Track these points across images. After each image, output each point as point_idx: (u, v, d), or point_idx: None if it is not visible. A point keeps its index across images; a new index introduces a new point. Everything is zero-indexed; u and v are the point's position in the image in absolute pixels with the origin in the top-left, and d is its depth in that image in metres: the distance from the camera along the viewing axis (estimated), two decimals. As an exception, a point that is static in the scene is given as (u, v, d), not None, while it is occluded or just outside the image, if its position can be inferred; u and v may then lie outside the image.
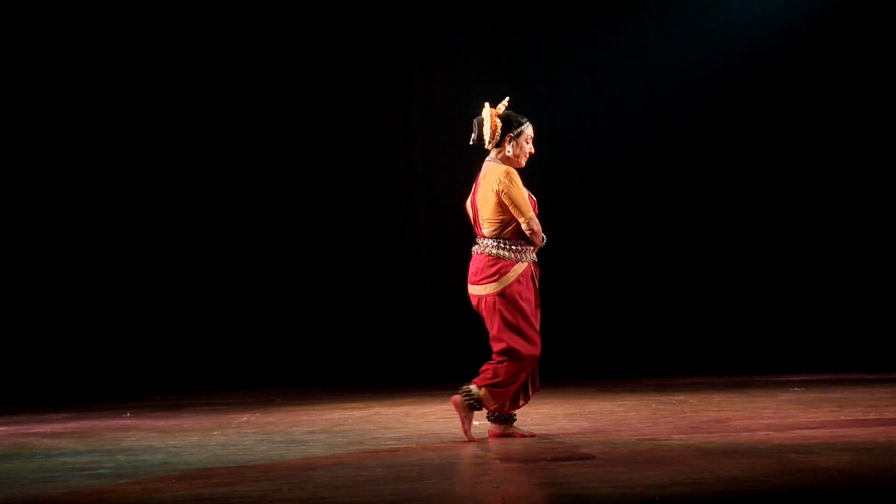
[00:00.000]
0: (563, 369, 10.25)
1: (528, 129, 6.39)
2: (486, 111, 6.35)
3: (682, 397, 8.36)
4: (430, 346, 11.66)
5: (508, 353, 6.18)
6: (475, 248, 6.36)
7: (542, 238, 6.29)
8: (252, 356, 11.44)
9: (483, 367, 6.27)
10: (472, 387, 6.23)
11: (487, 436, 6.35)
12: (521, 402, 6.36)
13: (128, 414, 8.45)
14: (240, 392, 10.22)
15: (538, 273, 6.35)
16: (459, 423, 6.28)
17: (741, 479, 4.74)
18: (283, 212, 11.56)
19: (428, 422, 7.32)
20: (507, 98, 6.39)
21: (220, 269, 11.45)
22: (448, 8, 11.87)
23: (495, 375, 6.20)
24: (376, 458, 5.72)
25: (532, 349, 6.20)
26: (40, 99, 11.12)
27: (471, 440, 6.21)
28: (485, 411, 6.33)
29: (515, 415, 6.41)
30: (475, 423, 6.61)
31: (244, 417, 7.96)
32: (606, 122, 11.80)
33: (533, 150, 6.42)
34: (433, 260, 11.77)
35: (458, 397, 6.24)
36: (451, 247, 11.76)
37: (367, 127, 11.75)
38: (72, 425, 7.85)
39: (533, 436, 6.34)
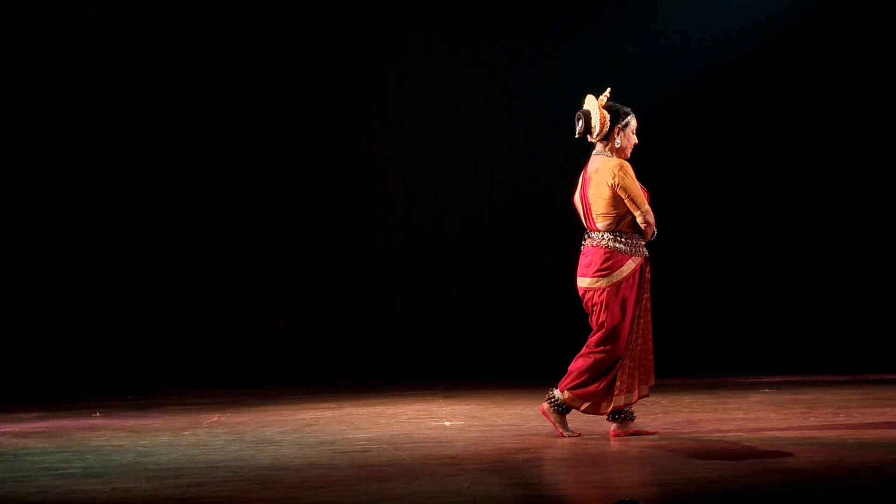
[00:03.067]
0: (535, 370, 10.23)
1: (634, 120, 6.33)
2: (592, 103, 6.24)
3: (653, 398, 8.33)
4: (431, 347, 11.66)
5: (604, 344, 6.16)
6: (588, 242, 6.30)
7: (654, 231, 6.23)
8: (252, 356, 11.41)
9: (569, 368, 6.22)
10: (556, 392, 6.21)
11: (610, 435, 6.20)
12: (636, 397, 6.22)
13: (97, 414, 8.40)
14: (212, 392, 10.17)
15: (649, 269, 6.27)
16: (553, 429, 6.24)
17: (712, 480, 4.75)
18: (282, 211, 11.53)
19: (399, 422, 7.30)
20: (609, 89, 6.30)
21: (218, 270, 11.41)
22: (449, 9, 11.86)
23: (579, 376, 6.17)
24: (347, 459, 5.70)
25: (617, 350, 6.17)
26: (40, 99, 11.09)
27: (563, 436, 6.18)
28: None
29: (634, 412, 6.26)
30: (446, 423, 6.60)
31: (215, 417, 7.93)
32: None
33: (637, 141, 6.35)
34: (433, 260, 11.76)
35: (545, 405, 6.23)
36: (451, 247, 11.79)
37: (368, 127, 11.75)
38: (41, 425, 7.80)
39: (655, 432, 6.26)
